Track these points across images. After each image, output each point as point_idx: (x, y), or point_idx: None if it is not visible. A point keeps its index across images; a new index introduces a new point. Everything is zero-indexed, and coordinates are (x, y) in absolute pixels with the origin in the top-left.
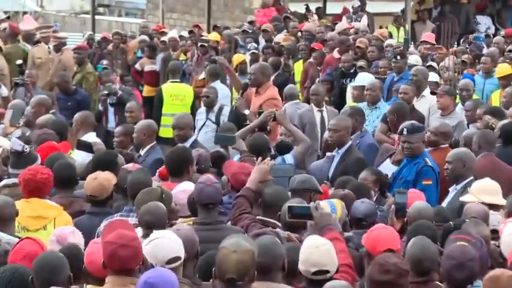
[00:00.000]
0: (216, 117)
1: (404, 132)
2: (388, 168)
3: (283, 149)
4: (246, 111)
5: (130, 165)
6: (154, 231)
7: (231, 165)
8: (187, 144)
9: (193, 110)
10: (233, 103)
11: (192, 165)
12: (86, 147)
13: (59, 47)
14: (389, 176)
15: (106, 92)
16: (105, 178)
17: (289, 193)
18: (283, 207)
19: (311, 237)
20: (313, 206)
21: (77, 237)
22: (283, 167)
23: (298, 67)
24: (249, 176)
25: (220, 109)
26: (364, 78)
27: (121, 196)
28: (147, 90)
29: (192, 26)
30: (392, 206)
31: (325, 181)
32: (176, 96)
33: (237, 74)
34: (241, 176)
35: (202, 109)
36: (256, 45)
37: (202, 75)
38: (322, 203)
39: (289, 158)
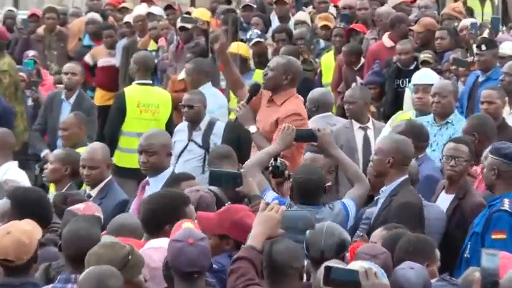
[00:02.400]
0: (204, 138)
1: (487, 152)
2: (444, 202)
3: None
4: (252, 128)
5: (81, 206)
6: None
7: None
8: (161, 180)
9: (170, 126)
10: (231, 116)
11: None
12: None
13: None
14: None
15: None
16: (24, 231)
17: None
18: (317, 274)
19: None
20: (362, 270)
21: None
22: (301, 215)
23: (327, 61)
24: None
25: (210, 126)
26: (429, 75)
27: None
28: (100, 96)
29: None
30: (477, 273)
31: (361, 234)
32: (147, 106)
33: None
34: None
35: (182, 125)
36: (259, 32)
37: (182, 74)
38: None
39: (350, 204)
